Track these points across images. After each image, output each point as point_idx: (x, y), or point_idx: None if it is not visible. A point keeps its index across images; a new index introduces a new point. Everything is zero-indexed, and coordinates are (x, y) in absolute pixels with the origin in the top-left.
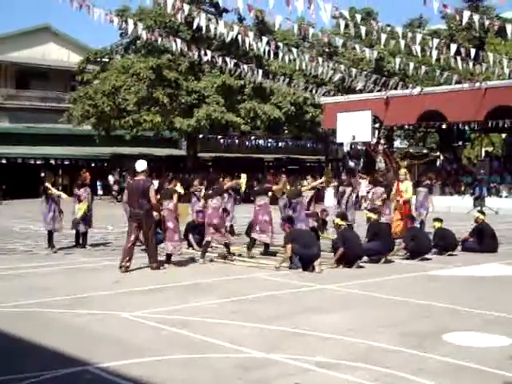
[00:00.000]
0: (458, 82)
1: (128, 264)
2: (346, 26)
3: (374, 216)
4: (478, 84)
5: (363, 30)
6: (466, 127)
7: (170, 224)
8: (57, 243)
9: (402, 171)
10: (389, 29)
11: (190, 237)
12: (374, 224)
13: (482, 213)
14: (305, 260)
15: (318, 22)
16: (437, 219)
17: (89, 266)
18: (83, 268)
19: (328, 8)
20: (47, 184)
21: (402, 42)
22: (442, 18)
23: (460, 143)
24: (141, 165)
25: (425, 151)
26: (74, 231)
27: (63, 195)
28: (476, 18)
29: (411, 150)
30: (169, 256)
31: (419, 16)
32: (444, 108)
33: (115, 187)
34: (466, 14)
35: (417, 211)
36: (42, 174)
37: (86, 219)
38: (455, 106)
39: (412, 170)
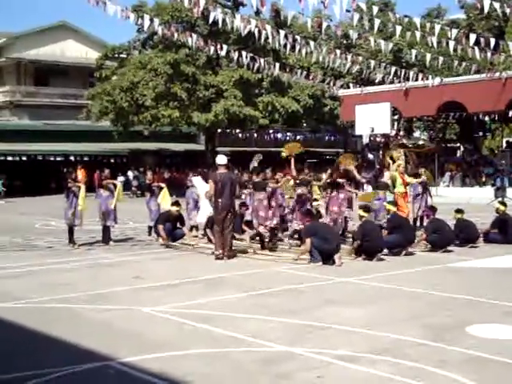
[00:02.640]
0: (477, 72)
1: (229, 253)
2: (362, 17)
3: (393, 208)
4: (497, 74)
5: (377, 22)
6: (487, 117)
7: (261, 213)
8: (77, 239)
9: (396, 164)
10: (407, 20)
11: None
12: (394, 216)
13: (503, 204)
14: (324, 254)
15: (334, 15)
16: (458, 210)
17: (109, 262)
18: (104, 263)
19: (345, 0)
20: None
21: (420, 33)
22: (460, 8)
23: (480, 134)
24: (222, 159)
25: (420, 142)
26: (94, 227)
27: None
28: (497, 5)
29: (404, 141)
30: (262, 242)
31: (437, 6)
32: (464, 98)
33: (134, 183)
34: (487, 2)
35: (415, 202)
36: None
37: (114, 214)
38: (475, 96)
39: (410, 162)
